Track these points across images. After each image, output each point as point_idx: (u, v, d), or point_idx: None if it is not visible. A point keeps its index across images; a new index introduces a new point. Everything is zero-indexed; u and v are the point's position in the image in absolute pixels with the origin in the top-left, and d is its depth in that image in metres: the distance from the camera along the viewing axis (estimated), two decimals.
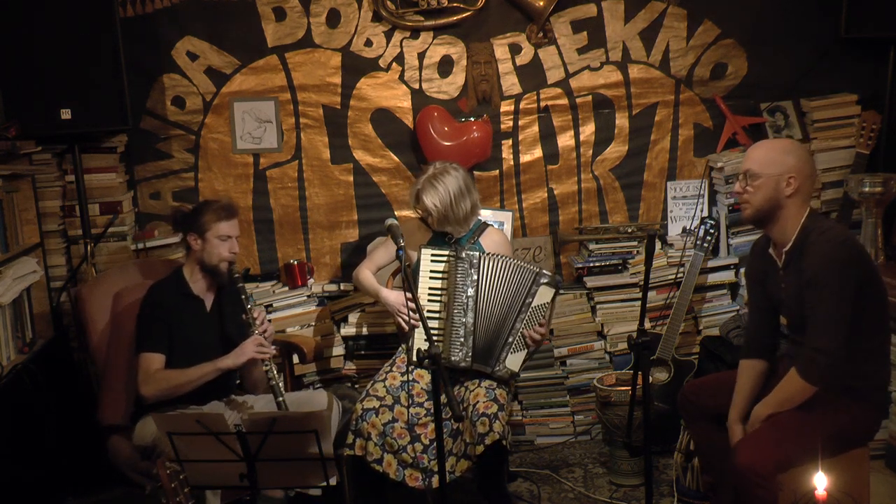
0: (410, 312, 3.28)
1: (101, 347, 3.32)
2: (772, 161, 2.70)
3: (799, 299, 2.68)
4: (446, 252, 3.29)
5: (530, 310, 3.24)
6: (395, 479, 3.13)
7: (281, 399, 3.01)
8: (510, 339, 3.24)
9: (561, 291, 4.04)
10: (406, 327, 3.32)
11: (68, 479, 3.36)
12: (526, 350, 3.28)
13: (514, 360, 3.27)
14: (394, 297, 3.41)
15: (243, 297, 3.13)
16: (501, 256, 3.29)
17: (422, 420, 3.20)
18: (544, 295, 3.26)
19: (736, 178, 3.92)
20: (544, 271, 3.26)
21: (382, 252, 3.58)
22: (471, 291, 3.23)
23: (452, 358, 3.21)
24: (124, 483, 3.10)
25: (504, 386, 3.27)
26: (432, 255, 3.29)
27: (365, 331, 4.02)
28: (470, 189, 3.40)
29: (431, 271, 3.29)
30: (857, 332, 2.63)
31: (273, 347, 3.13)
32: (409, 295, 3.26)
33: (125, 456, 3.10)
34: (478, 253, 3.26)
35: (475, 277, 3.23)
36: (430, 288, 3.28)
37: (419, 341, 3.23)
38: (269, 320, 3.95)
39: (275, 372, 3.07)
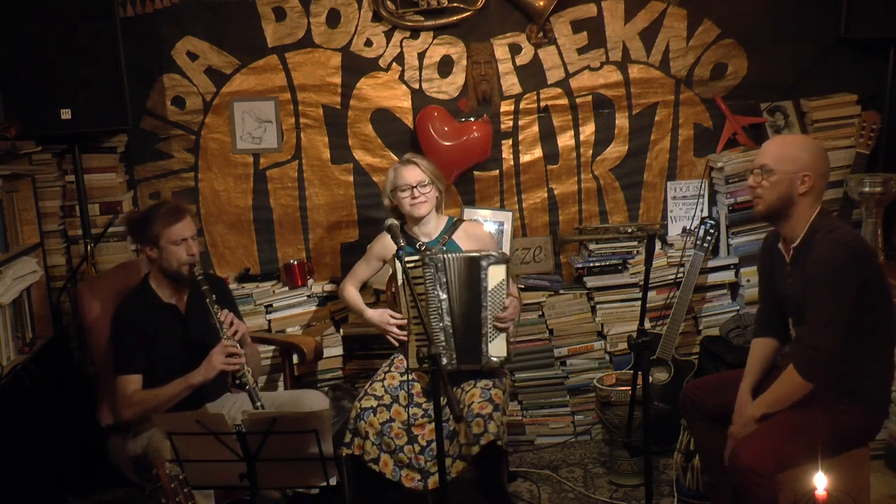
0: (396, 329, 3.32)
1: (100, 347, 3.31)
2: (788, 157, 2.70)
3: (802, 296, 2.69)
4: (416, 257, 3.28)
5: (489, 294, 3.23)
6: (391, 478, 3.13)
7: (259, 404, 2.97)
8: (484, 331, 3.24)
9: (560, 291, 4.07)
10: (396, 343, 3.34)
11: (68, 479, 3.36)
12: (504, 333, 3.28)
13: (497, 348, 3.26)
14: (377, 316, 3.41)
15: (208, 300, 3.04)
16: (457, 254, 3.27)
17: (419, 421, 3.19)
18: (497, 274, 3.23)
19: (738, 177, 3.96)
20: (485, 253, 3.23)
21: (363, 267, 3.57)
22: (443, 295, 3.23)
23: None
24: (124, 483, 3.09)
25: (500, 385, 3.26)
26: (406, 262, 3.28)
27: (364, 331, 4.01)
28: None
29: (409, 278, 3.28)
30: (859, 333, 2.63)
31: (244, 351, 3.04)
32: (392, 313, 3.32)
33: (125, 456, 3.10)
34: (441, 255, 3.23)
35: (444, 280, 3.22)
36: (410, 295, 3.27)
37: (413, 344, 3.23)
38: (269, 316, 4.00)
39: (250, 377, 3.00)
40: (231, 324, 3.08)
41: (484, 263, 3.21)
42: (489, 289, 3.23)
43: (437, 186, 3.42)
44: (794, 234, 2.75)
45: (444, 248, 3.38)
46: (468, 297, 3.24)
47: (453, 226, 3.49)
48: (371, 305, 4.01)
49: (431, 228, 3.47)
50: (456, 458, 3.13)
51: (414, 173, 3.38)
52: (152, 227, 3.07)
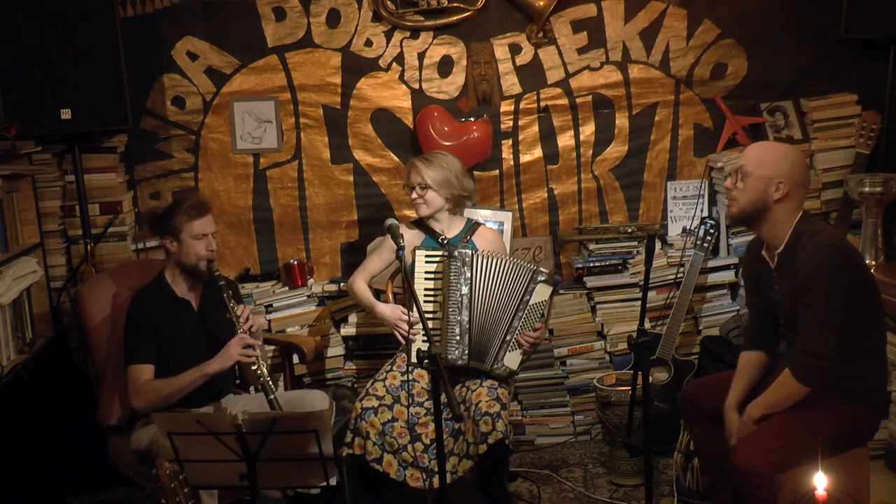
0: (406, 326, 3.29)
1: (100, 347, 3.32)
2: (765, 163, 2.71)
3: (791, 301, 2.69)
4: (440, 252, 3.29)
5: (528, 307, 3.25)
6: (395, 478, 3.13)
7: (272, 397, 2.98)
8: (508, 338, 3.25)
9: (560, 291, 4.07)
10: (403, 341, 3.33)
11: (68, 479, 3.36)
12: (523, 349, 3.29)
13: (512, 359, 3.27)
14: (389, 310, 3.38)
15: (225, 295, 3.07)
16: (497, 255, 3.30)
17: (422, 419, 3.19)
18: (542, 293, 3.26)
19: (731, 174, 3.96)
20: (542, 269, 3.27)
21: (375, 260, 3.54)
22: (465, 290, 3.23)
23: (449, 357, 3.22)
24: (124, 483, 3.09)
25: (505, 385, 3.27)
26: (426, 255, 3.30)
27: (365, 331, 4.01)
28: (466, 172, 3.45)
29: (426, 272, 3.29)
30: (853, 333, 2.63)
31: (260, 343, 3.09)
32: (404, 310, 3.31)
33: (125, 456, 3.10)
34: (470, 251, 3.26)
35: (468, 275, 3.23)
36: (426, 289, 3.28)
37: (418, 341, 3.23)
38: (269, 316, 4.00)
39: (264, 369, 3.03)
40: (247, 318, 3.10)
41: (538, 278, 3.24)
42: (530, 302, 3.24)
43: (441, 193, 3.38)
44: (776, 239, 2.75)
45: (468, 247, 3.39)
46: (507, 301, 3.25)
47: (472, 228, 3.49)
48: None
49: (444, 227, 3.46)
50: (462, 457, 3.12)
51: (415, 175, 3.38)
52: (175, 219, 3.09)
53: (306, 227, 4.20)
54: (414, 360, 2.97)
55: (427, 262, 3.29)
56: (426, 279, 3.28)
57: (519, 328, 3.25)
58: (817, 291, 2.59)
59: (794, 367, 2.66)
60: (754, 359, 2.92)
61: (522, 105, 4.13)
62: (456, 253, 3.24)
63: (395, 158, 4.14)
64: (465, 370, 3.29)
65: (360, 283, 3.51)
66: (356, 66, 4.07)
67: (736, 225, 4.00)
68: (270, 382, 3.02)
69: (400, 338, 3.35)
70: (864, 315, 2.66)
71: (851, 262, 2.65)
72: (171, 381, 3.01)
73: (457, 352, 3.23)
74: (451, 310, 3.23)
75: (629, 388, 2.91)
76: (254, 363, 3.02)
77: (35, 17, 3.47)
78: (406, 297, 3.31)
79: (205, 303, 3.22)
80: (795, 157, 2.76)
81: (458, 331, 3.23)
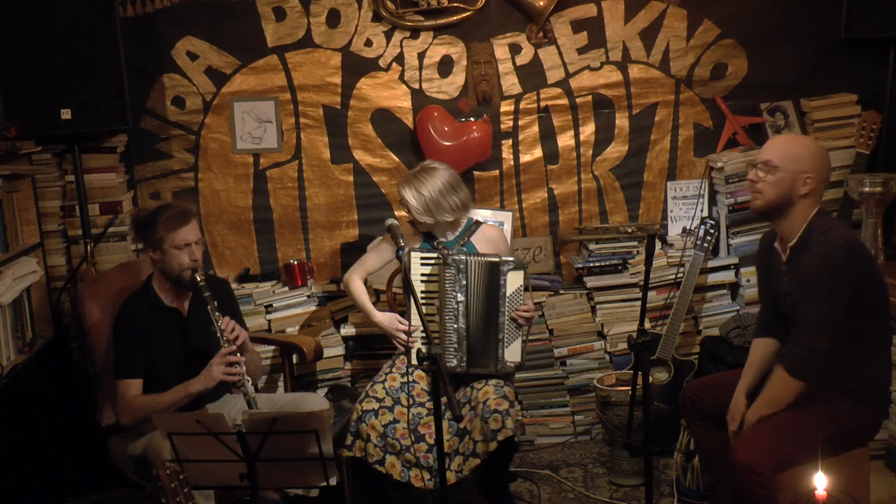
0: (403, 336, 3.28)
1: (100, 348, 3.32)
2: (794, 157, 2.70)
3: (798, 295, 2.69)
4: (434, 255, 3.27)
5: (507, 300, 3.24)
6: (399, 480, 3.11)
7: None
8: (500, 336, 3.24)
9: (560, 291, 4.07)
10: (402, 349, 3.32)
11: (68, 479, 3.36)
12: (520, 338, 3.28)
13: (512, 352, 3.27)
14: (387, 319, 3.36)
15: (209, 307, 3.00)
16: (480, 257, 3.26)
17: (424, 420, 3.19)
18: (515, 280, 3.24)
19: (738, 177, 3.96)
20: (506, 259, 3.23)
21: (374, 257, 3.52)
22: (461, 297, 3.22)
23: (448, 364, 3.21)
24: (124, 483, 3.09)
25: (510, 383, 3.27)
26: (421, 258, 3.28)
27: (365, 331, 4.01)
28: (455, 187, 3.30)
29: (421, 274, 3.28)
30: (857, 333, 2.64)
31: (245, 358, 3.01)
32: (401, 319, 3.28)
33: (125, 456, 3.10)
34: (464, 257, 3.22)
35: (464, 283, 3.22)
36: (421, 292, 3.27)
37: (418, 343, 3.23)
38: (269, 316, 4.00)
39: (249, 387, 2.96)
40: (232, 330, 3.04)
41: (503, 269, 3.21)
42: (507, 294, 3.23)
43: (428, 220, 3.30)
44: (790, 233, 2.75)
45: (464, 249, 3.37)
46: (486, 301, 3.24)
47: (470, 229, 3.45)
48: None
49: (446, 232, 3.43)
50: (469, 456, 3.10)
51: (404, 201, 3.31)
52: (156, 230, 3.04)
53: (306, 227, 4.20)
54: (414, 361, 2.98)
55: (422, 264, 3.27)
56: (421, 281, 3.27)
57: (506, 322, 3.24)
58: (819, 288, 2.60)
59: (786, 360, 2.66)
60: (766, 346, 2.93)
61: (522, 105, 4.13)
62: (451, 260, 3.21)
63: (395, 158, 4.14)
64: (463, 375, 3.28)
65: (357, 283, 3.47)
66: (356, 66, 4.07)
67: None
68: (256, 400, 2.96)
69: (399, 346, 3.35)
70: (870, 316, 2.66)
71: (859, 262, 2.65)
72: (157, 400, 2.97)
73: (455, 359, 3.23)
74: (447, 318, 3.22)
75: (629, 388, 2.91)
76: (238, 381, 2.97)
77: (35, 17, 3.47)
78: (405, 297, 3.30)
79: (193, 309, 3.17)
80: (820, 150, 2.77)
81: (455, 338, 3.23)
